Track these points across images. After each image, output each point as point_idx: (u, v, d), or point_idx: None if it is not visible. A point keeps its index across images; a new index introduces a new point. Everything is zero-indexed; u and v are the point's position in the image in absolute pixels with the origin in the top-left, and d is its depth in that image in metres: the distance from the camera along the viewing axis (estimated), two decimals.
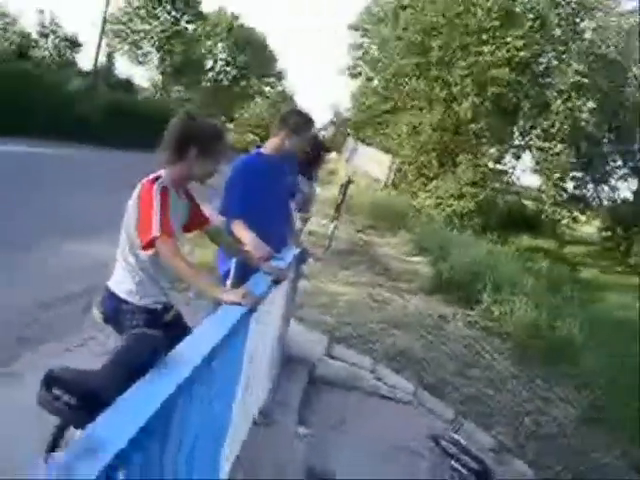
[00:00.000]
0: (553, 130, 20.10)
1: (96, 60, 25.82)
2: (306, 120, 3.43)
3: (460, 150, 20.96)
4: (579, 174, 23.94)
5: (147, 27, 36.98)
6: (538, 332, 7.22)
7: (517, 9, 19.39)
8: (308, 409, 4.29)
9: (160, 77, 39.09)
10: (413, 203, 20.38)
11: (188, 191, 2.47)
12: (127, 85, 29.42)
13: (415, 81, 21.59)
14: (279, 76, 52.08)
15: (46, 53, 24.85)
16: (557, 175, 21.26)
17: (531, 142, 22.23)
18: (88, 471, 0.89)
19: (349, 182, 10.12)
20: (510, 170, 23.34)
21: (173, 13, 36.87)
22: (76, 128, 16.83)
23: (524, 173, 32.05)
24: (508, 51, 18.72)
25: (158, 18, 36.65)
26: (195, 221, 2.52)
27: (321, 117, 47.37)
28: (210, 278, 2.35)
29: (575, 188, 24.27)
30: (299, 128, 3.34)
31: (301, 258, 3.97)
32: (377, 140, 30.47)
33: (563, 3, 20.94)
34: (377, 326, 6.24)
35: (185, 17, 38.05)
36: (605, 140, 23.25)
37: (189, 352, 1.49)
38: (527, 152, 23.48)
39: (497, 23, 18.93)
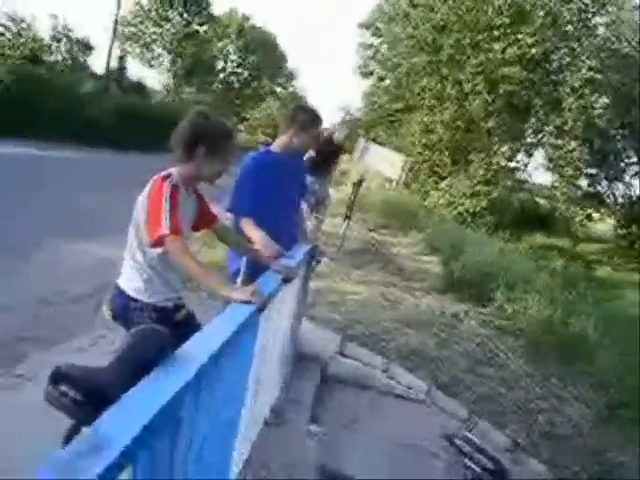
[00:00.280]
0: (566, 127, 19.88)
1: (108, 63, 26.01)
2: (313, 116, 3.40)
3: (472, 148, 20.84)
4: (593, 171, 23.70)
5: (158, 29, 37.12)
6: (552, 330, 7.16)
7: (528, 6, 19.24)
8: (321, 407, 4.28)
9: (172, 79, 39.25)
10: (425, 202, 20.32)
11: (197, 190, 2.47)
12: (139, 88, 29.57)
13: (426, 80, 21.51)
14: (290, 76, 52.16)
15: (59, 57, 25.02)
16: (570, 172, 21.04)
17: (544, 139, 22.02)
18: (93, 468, 0.88)
19: (361, 181, 10.10)
20: (522, 168, 23.17)
21: (184, 15, 36.97)
22: (88, 131, 16.95)
23: (537, 171, 31.84)
24: (519, 48, 18.59)
25: (169, 20, 36.76)
26: (204, 220, 2.52)
27: (332, 117, 47.48)
28: (219, 277, 2.35)
29: (589, 185, 24.02)
30: (306, 125, 3.31)
31: (312, 255, 3.95)
32: (389, 139, 30.44)
33: None
34: (390, 325, 6.22)
35: (196, 19, 38.14)
36: (619, 137, 23.01)
37: (197, 350, 1.48)
38: (540, 149, 23.29)
39: (508, 20, 18.80)
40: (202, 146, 2.29)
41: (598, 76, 18.93)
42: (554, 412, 5.41)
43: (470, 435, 4.24)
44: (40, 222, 7.15)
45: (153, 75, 42.33)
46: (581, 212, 22.28)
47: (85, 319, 4.43)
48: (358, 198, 10.11)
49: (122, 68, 30.10)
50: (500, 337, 7.02)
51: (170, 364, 1.36)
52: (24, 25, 21.45)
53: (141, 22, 36.62)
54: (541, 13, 19.10)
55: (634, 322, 9.17)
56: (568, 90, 19.47)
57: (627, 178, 24.62)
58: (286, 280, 2.76)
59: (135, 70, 44.64)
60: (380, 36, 38.39)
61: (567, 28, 20.21)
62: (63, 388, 1.50)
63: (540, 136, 22.18)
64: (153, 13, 36.48)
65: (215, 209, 2.65)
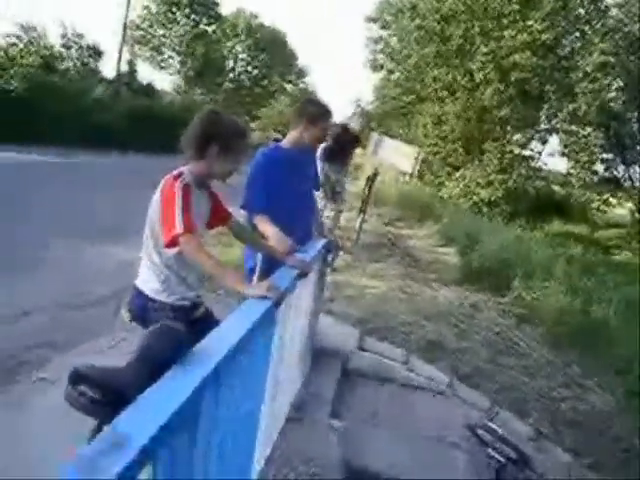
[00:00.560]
0: (580, 112, 19.64)
1: (118, 67, 26.13)
2: (323, 110, 3.37)
3: (486, 138, 20.69)
4: (609, 156, 23.39)
5: (167, 32, 37.31)
6: (572, 317, 7.11)
7: None
8: (342, 402, 4.29)
9: (182, 81, 39.41)
10: (440, 193, 20.24)
11: (210, 187, 2.47)
12: (150, 90, 29.69)
13: (436, 70, 21.38)
14: (300, 73, 52.15)
15: (70, 64, 25.21)
16: (586, 158, 20.82)
17: (558, 125, 21.78)
18: (113, 467, 0.89)
19: (375, 175, 10.08)
20: (537, 155, 22.91)
21: (192, 16, 37.09)
22: (100, 135, 17.09)
23: (552, 158, 31.47)
24: (530, 34, 18.37)
25: (178, 22, 36.93)
26: (218, 217, 2.53)
27: (344, 111, 47.39)
28: (236, 273, 2.35)
29: (605, 170, 23.70)
30: (316, 118, 3.29)
31: (328, 250, 3.95)
32: (401, 132, 30.34)
33: None
34: (408, 317, 6.22)
35: (204, 20, 38.26)
36: (634, 119, 22.68)
37: (214, 346, 1.49)
38: (554, 136, 23.02)
39: (517, 7, 18.61)
40: (215, 144, 2.29)
41: (611, 59, 18.65)
42: (576, 400, 5.37)
43: (492, 425, 4.22)
44: (57, 225, 7.23)
45: (163, 77, 42.64)
46: (598, 198, 22.02)
47: (106, 322, 4.47)
48: (373, 192, 10.09)
49: (132, 71, 30.23)
50: (520, 326, 6.98)
51: (188, 361, 1.37)
52: (35, 34, 21.68)
53: (150, 25, 36.82)
54: None
55: None
56: (581, 75, 19.22)
57: None
58: (301, 275, 2.76)
59: (145, 73, 44.84)
60: (388, 29, 38.25)
61: (578, 11, 19.95)
62: (82, 388, 1.52)
63: (554, 122, 21.93)
64: (161, 16, 36.64)
65: (229, 207, 2.65)
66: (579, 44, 20.41)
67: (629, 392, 5.71)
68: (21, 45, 20.42)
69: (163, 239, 2.16)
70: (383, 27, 39.40)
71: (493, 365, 5.63)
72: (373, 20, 40.28)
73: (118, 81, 25.82)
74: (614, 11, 20.79)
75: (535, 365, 5.94)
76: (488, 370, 5.49)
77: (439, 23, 20.38)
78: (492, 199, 18.93)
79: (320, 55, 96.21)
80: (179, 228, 2.06)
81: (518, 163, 20.18)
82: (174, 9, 36.51)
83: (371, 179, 9.77)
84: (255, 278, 3.05)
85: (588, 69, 18.87)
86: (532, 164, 21.58)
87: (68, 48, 25.19)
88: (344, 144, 6.54)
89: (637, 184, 23.93)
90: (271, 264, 2.86)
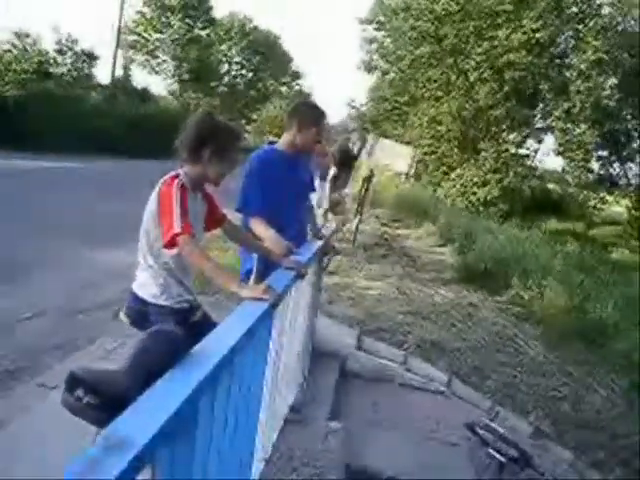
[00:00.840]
0: (574, 110, 19.69)
1: (113, 72, 26.14)
2: (316, 112, 3.36)
3: (481, 137, 20.75)
4: (604, 153, 23.46)
5: (161, 36, 37.31)
6: (570, 315, 7.12)
7: None
8: (341, 403, 4.29)
9: (177, 85, 39.41)
10: (436, 193, 20.27)
11: (204, 190, 2.47)
12: (145, 95, 29.66)
13: (431, 71, 21.42)
14: (295, 75, 52.21)
15: (64, 69, 25.16)
16: (581, 156, 20.84)
17: (553, 124, 21.82)
18: (112, 469, 0.89)
19: (371, 176, 10.09)
20: (532, 154, 22.98)
21: (186, 20, 37.10)
22: (97, 141, 17.11)
23: (547, 156, 31.55)
24: (524, 34, 18.43)
25: (172, 26, 36.92)
26: (213, 219, 2.52)
27: (339, 114, 47.46)
28: (233, 275, 2.35)
29: (601, 168, 23.78)
30: (308, 121, 3.28)
31: (325, 253, 3.95)
32: (397, 133, 30.37)
33: None
34: (406, 318, 6.22)
35: (198, 24, 38.29)
36: (629, 116, 22.73)
37: (211, 348, 1.48)
38: (549, 135, 23.06)
39: (510, 6, 18.66)
40: (209, 148, 2.29)
41: (604, 57, 18.70)
42: (576, 398, 5.38)
43: (492, 423, 4.22)
44: (61, 229, 7.22)
45: (158, 81, 42.53)
46: (594, 195, 22.07)
47: (110, 325, 4.46)
48: (369, 193, 10.11)
49: (127, 76, 30.24)
50: (518, 325, 6.99)
51: (185, 363, 1.36)
52: (29, 40, 21.64)
53: (144, 30, 36.80)
54: None
55: None
56: (575, 73, 19.28)
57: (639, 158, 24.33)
58: (298, 276, 2.76)
59: (140, 78, 44.86)
60: (383, 30, 38.26)
61: (571, 10, 20.01)
62: (78, 393, 1.51)
63: (549, 121, 21.98)
64: (155, 20, 36.64)
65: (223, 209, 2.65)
66: (573, 42, 20.47)
67: (629, 388, 5.72)
68: (15, 52, 20.38)
69: (162, 240, 2.14)
70: (377, 28, 39.42)
71: (491, 364, 5.63)
72: (367, 21, 40.29)
73: (113, 86, 25.82)
74: (607, 9, 20.86)
75: (533, 363, 5.95)
76: (487, 369, 5.49)
77: (433, 23, 20.41)
78: (488, 198, 18.98)
79: (315, 57, 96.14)
80: (178, 228, 2.05)
81: (514, 162, 20.25)
82: (168, 13, 36.51)
83: (367, 181, 9.79)
84: (251, 280, 3.04)
85: (582, 67, 18.93)
86: (528, 163, 21.63)
87: (62, 54, 25.14)
88: (346, 166, 6.98)
89: (633, 181, 24.00)
90: (267, 266, 2.86)
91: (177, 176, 2.25)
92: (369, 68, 40.13)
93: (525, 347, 6.31)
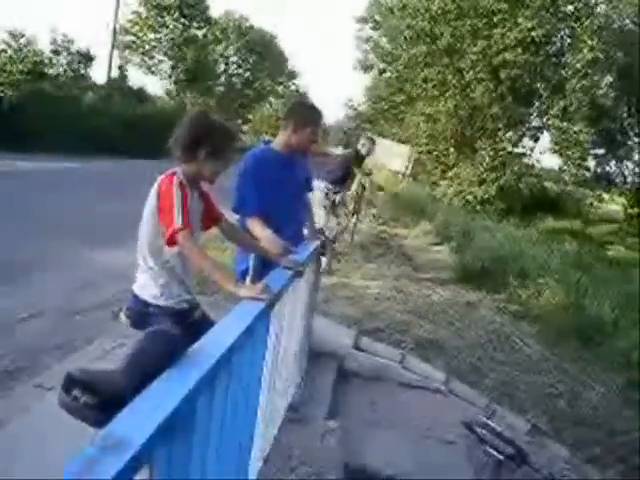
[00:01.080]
0: (571, 109, 19.69)
1: (109, 73, 26.09)
2: (313, 112, 3.37)
3: (477, 136, 20.74)
4: (600, 151, 23.50)
5: (157, 36, 37.20)
6: (567, 313, 7.14)
7: None
8: (338, 402, 4.29)
9: (173, 85, 39.32)
10: (434, 192, 20.27)
11: (201, 188, 2.46)
12: (141, 95, 29.63)
13: (427, 70, 21.39)
14: (291, 75, 52.17)
15: (60, 70, 25.08)
16: (577, 154, 20.83)
17: (549, 122, 21.82)
18: (110, 468, 0.90)
19: (368, 175, 10.10)
20: (529, 153, 22.98)
21: (182, 20, 37.00)
22: (94, 141, 17.09)
23: (544, 155, 31.55)
24: (520, 32, 18.42)
25: (168, 26, 36.81)
26: (210, 218, 2.52)
27: (336, 113, 47.46)
28: (231, 274, 2.35)
29: (597, 166, 23.82)
30: (304, 122, 3.28)
31: (322, 253, 3.95)
32: (393, 132, 30.38)
33: None
34: (404, 317, 6.23)
35: (194, 23, 38.20)
36: (625, 115, 22.77)
37: (208, 348, 1.49)
38: (545, 133, 23.06)
39: (506, 5, 18.65)
40: (204, 147, 2.28)
41: (600, 55, 18.71)
42: (573, 395, 5.39)
43: (488, 421, 4.23)
44: (60, 229, 7.22)
45: (154, 82, 42.49)
46: (591, 193, 22.09)
47: (109, 326, 4.45)
48: (366, 192, 10.11)
49: (123, 76, 30.18)
50: (516, 323, 7.01)
51: (183, 363, 1.37)
52: (23, 40, 21.55)
53: (140, 30, 36.69)
54: None
55: None
56: (571, 72, 19.28)
57: (636, 157, 24.40)
58: (296, 276, 2.76)
59: (136, 78, 44.80)
60: (379, 29, 38.27)
61: (567, 8, 20.01)
62: (75, 393, 1.51)
63: (545, 119, 21.98)
64: (151, 20, 36.53)
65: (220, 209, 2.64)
66: (569, 41, 20.46)
67: (627, 387, 5.73)
68: (10, 52, 20.31)
69: (163, 238, 2.14)
70: (373, 27, 39.43)
71: (489, 362, 5.65)
72: (363, 20, 40.31)
73: (109, 86, 25.77)
74: (602, 7, 20.87)
75: (531, 361, 5.96)
76: (484, 367, 5.50)
77: (429, 22, 20.37)
78: (485, 197, 18.98)
79: (311, 56, 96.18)
80: (178, 223, 2.05)
81: (510, 161, 20.21)
82: (164, 13, 36.39)
83: (364, 180, 9.78)
84: (248, 280, 3.04)
85: (578, 66, 18.91)
86: (524, 161, 21.62)
87: (58, 54, 25.08)
88: (349, 171, 7.15)
89: (629, 179, 24.05)
90: (264, 265, 2.86)
91: (175, 174, 2.25)
92: (365, 67, 40.16)
93: (522, 345, 6.33)
